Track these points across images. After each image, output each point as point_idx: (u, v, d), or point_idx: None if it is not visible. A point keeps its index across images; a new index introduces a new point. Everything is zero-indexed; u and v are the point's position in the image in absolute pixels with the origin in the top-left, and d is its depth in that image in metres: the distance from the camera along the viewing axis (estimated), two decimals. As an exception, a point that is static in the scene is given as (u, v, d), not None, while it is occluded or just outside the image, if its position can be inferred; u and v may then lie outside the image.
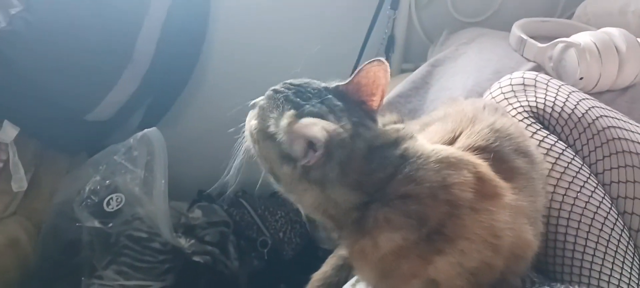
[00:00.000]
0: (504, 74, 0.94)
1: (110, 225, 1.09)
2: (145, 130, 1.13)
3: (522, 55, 1.06)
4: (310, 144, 0.54)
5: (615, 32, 0.92)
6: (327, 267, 0.93)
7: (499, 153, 0.62)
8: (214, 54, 1.45)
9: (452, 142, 0.64)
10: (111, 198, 1.08)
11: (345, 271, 0.87)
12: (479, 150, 0.62)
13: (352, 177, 0.55)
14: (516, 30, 1.06)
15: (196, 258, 1.16)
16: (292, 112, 0.56)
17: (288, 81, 0.61)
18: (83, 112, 1.26)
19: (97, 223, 1.07)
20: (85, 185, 1.10)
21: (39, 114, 1.19)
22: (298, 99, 0.58)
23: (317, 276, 0.92)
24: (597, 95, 0.89)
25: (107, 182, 1.09)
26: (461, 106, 0.72)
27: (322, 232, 0.63)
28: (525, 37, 1.03)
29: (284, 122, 0.55)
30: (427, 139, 0.64)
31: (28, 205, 1.23)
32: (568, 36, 0.98)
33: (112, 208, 1.09)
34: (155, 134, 1.12)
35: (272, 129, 0.57)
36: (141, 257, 1.13)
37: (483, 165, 0.58)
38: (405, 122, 0.83)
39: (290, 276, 1.24)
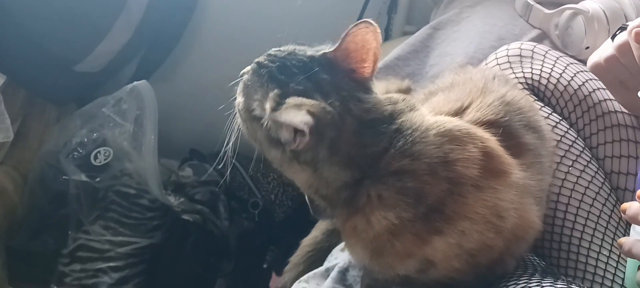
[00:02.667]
0: (507, 41, 0.91)
1: (98, 179, 1.07)
2: (136, 82, 1.09)
3: (527, 22, 1.02)
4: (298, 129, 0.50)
5: (626, 1, 0.89)
6: (317, 231, 0.91)
7: (508, 128, 0.59)
8: (209, 7, 1.41)
9: (459, 113, 0.60)
10: (99, 151, 1.06)
11: (335, 236, 0.86)
12: (488, 124, 0.58)
13: (343, 155, 0.52)
14: (522, -5, 1.02)
15: (185, 217, 1.14)
16: (276, 92, 0.52)
17: (272, 52, 0.57)
18: (73, 62, 1.23)
19: (84, 177, 1.05)
20: (73, 137, 1.07)
21: (27, 62, 1.16)
22: (282, 76, 0.53)
23: (306, 241, 0.91)
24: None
25: (95, 135, 1.06)
26: (470, 74, 0.68)
27: (322, 213, 0.59)
28: (531, 2, 0.99)
29: (268, 106, 0.51)
30: (431, 108, 0.60)
31: (15, 155, 1.20)
32: (577, 2, 0.94)
33: (100, 163, 1.06)
34: (146, 87, 1.09)
35: (257, 111, 0.54)
36: (129, 213, 1.11)
37: (491, 140, 0.55)
38: (413, 90, 0.80)
39: (281, 238, 1.23)
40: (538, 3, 1.00)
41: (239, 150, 1.46)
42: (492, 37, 1.01)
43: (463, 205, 0.51)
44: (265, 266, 1.23)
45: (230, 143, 0.60)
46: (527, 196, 0.56)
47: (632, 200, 0.68)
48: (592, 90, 0.76)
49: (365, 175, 0.53)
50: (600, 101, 0.75)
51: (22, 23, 1.11)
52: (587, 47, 0.89)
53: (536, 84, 0.78)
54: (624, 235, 0.69)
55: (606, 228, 0.70)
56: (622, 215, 0.59)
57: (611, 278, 0.67)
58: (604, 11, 0.87)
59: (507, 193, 0.53)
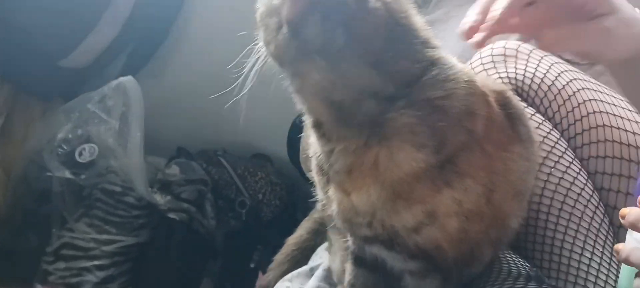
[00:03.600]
0: (494, 40, 0.91)
1: (83, 176, 1.06)
2: (121, 78, 1.08)
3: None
4: None
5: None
6: (302, 230, 0.90)
7: (506, 111, 0.59)
8: (198, 3, 1.39)
9: None
10: (84, 148, 1.05)
11: (320, 235, 0.85)
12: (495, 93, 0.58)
13: (368, 48, 0.47)
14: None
15: (172, 215, 1.13)
16: None
17: None
18: (59, 56, 1.22)
19: (68, 174, 1.04)
20: (57, 134, 1.06)
21: (12, 56, 1.15)
22: None
23: (291, 240, 0.90)
24: (589, 66, 0.86)
25: (80, 131, 1.05)
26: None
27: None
28: None
29: None
30: None
31: (-1, 151, 1.19)
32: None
33: (85, 159, 1.05)
34: (132, 83, 1.08)
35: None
36: (114, 211, 1.10)
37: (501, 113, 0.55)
38: None
39: (268, 238, 1.22)
40: (527, 3, 1.00)
41: (227, 149, 1.45)
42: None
43: (472, 162, 0.50)
44: (252, 266, 1.22)
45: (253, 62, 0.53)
46: (512, 183, 0.57)
47: (621, 203, 0.67)
48: (577, 89, 0.75)
49: (398, 93, 0.48)
50: (585, 101, 0.74)
51: (7, 17, 1.10)
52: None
53: (520, 83, 0.77)
54: (608, 235, 0.69)
55: (588, 229, 0.70)
56: (621, 221, 0.58)
57: (603, 284, 0.67)
58: None
59: (501, 167, 0.53)
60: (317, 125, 0.52)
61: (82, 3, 1.18)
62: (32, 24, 1.12)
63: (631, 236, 0.58)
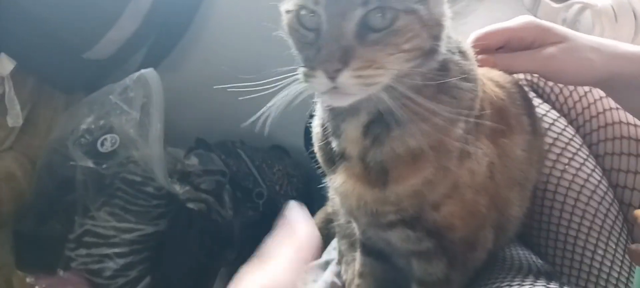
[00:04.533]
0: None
1: (104, 166, 1.08)
2: (142, 70, 1.10)
3: (535, 16, 1.01)
4: None
5: (635, -5, 0.88)
6: (316, 220, 0.92)
7: (511, 101, 0.61)
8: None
9: None
10: (106, 138, 1.07)
11: (333, 226, 0.86)
12: (498, 85, 0.60)
13: None
14: (531, -11, 1.01)
15: (190, 205, 1.15)
16: None
17: None
18: (83, 49, 1.24)
19: (90, 164, 1.06)
20: (80, 124, 1.08)
21: (37, 49, 1.17)
22: None
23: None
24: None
25: (102, 122, 1.07)
26: None
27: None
28: (539, -4, 0.98)
29: None
30: None
31: (24, 140, 1.22)
32: (585, -3, 0.93)
33: (107, 149, 1.07)
34: (152, 75, 1.09)
35: None
36: (134, 201, 1.12)
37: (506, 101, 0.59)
38: None
39: (285, 229, 1.23)
40: (546, -3, 0.99)
41: (245, 141, 1.46)
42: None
43: (481, 138, 0.55)
44: (269, 256, 1.23)
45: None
46: (509, 170, 0.58)
47: (636, 200, 0.67)
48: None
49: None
50: (600, 97, 0.74)
51: (32, 10, 1.12)
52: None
53: (536, 79, 0.78)
54: (621, 232, 0.68)
55: (602, 226, 0.70)
56: (636, 221, 0.58)
57: (614, 282, 0.67)
58: (612, 6, 0.86)
59: (499, 151, 0.57)
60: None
61: (105, -2, 1.20)
62: (57, 18, 1.14)
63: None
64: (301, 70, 0.49)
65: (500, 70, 0.66)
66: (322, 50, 0.46)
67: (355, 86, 0.47)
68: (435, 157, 0.53)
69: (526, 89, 0.76)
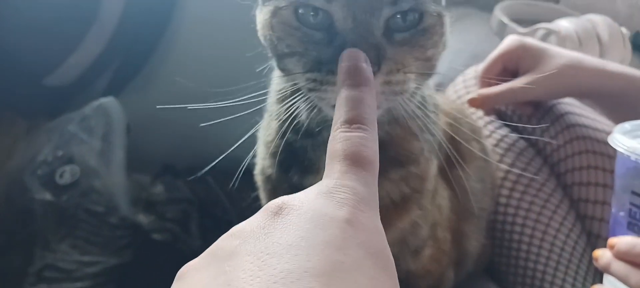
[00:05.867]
0: (481, 58, 0.90)
1: (64, 198, 1.04)
2: (102, 99, 1.07)
3: (501, 40, 1.00)
4: None
5: (598, 20, 0.87)
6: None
7: (459, 128, 0.59)
8: (185, 19, 1.38)
9: None
10: (65, 170, 1.03)
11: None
12: (444, 112, 0.58)
13: None
14: (498, 13, 1.01)
15: (155, 236, 1.11)
16: None
17: None
18: (43, 74, 1.21)
19: (49, 196, 1.02)
20: (37, 155, 1.04)
21: (-5, 74, 1.14)
22: None
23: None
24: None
25: (61, 152, 1.03)
26: None
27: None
28: (505, 21, 0.98)
29: None
30: None
31: (-18, 170, 1.18)
32: (551, 21, 0.93)
33: (66, 181, 1.03)
34: (113, 104, 1.06)
35: None
36: (98, 232, 1.08)
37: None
38: None
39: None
40: (513, 21, 0.99)
41: (215, 166, 1.43)
42: (466, 55, 0.99)
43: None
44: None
45: None
46: (468, 203, 0.57)
47: (605, 231, 0.66)
48: (561, 114, 0.75)
49: None
50: (568, 126, 0.74)
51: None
52: (561, 67, 0.88)
53: (503, 107, 0.77)
54: (589, 266, 0.67)
55: (569, 260, 0.69)
56: (594, 262, 0.57)
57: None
58: (576, 31, 0.86)
59: (455, 182, 0.55)
60: None
61: (66, 20, 1.16)
62: (16, 41, 1.11)
63: (607, 279, 0.57)
64: (307, 76, 0.44)
65: (507, 103, 0.67)
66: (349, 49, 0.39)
67: (381, 95, 0.41)
68: (417, 198, 0.51)
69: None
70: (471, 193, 0.58)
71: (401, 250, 0.52)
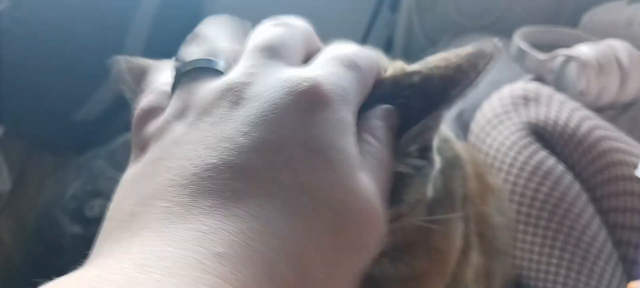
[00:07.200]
0: (501, 85, 0.90)
1: (93, 231, 1.06)
2: (127, 134, 1.09)
3: (521, 67, 1.01)
4: None
5: (618, 46, 0.88)
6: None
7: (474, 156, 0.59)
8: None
9: None
10: (94, 204, 1.05)
11: None
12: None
13: None
14: (516, 40, 1.02)
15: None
16: None
17: None
18: (71, 110, 1.24)
19: (78, 229, 1.04)
20: (67, 190, 1.07)
21: (25, 113, 1.17)
22: None
23: None
24: (598, 111, 0.85)
25: (89, 187, 1.06)
26: None
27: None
28: (524, 47, 0.98)
29: None
30: None
31: (13, 205, 1.21)
32: (570, 46, 0.93)
33: (95, 214, 1.06)
34: (139, 138, 1.09)
35: None
36: (125, 264, 1.10)
37: None
38: None
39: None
40: (533, 46, 0.99)
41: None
42: (487, 82, 0.99)
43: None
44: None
45: None
46: (494, 240, 0.56)
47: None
48: (598, 138, 0.73)
49: None
50: (606, 151, 0.73)
51: (20, 75, 1.12)
52: (582, 92, 0.88)
53: (540, 129, 0.76)
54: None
55: (601, 276, 0.68)
56: None
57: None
58: (596, 57, 0.86)
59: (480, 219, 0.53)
60: None
61: (92, 57, 1.20)
62: (44, 81, 1.15)
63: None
64: None
65: None
66: None
67: None
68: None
69: (525, 135, 0.74)
70: (495, 229, 0.58)
71: None
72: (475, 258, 0.49)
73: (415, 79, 0.31)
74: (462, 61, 0.31)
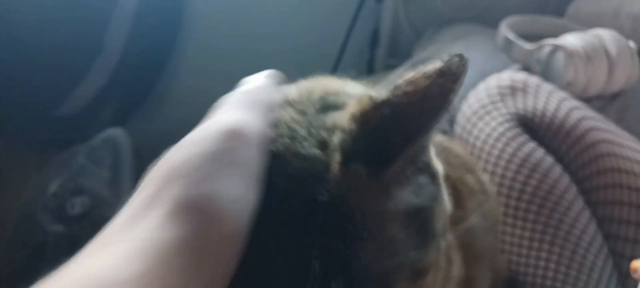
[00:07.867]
0: (487, 75, 0.88)
1: (76, 229, 1.04)
2: (109, 130, 1.07)
3: (509, 57, 1.00)
4: None
5: (606, 35, 0.87)
6: None
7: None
8: (189, 49, 1.39)
9: None
10: (76, 202, 1.03)
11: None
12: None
13: None
14: (503, 30, 1.00)
15: (167, 263, 1.11)
16: None
17: None
18: (51, 106, 1.22)
19: (60, 228, 1.02)
20: (48, 188, 1.05)
21: (4, 110, 1.15)
22: None
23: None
24: (586, 101, 0.84)
25: (71, 184, 1.03)
26: None
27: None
28: (512, 38, 0.97)
29: None
30: None
31: (-6, 204, 1.18)
32: (558, 36, 0.93)
33: (77, 212, 1.03)
34: (120, 135, 1.07)
35: None
36: (109, 262, 1.08)
37: None
38: None
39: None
40: (520, 36, 0.98)
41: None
42: (473, 71, 0.98)
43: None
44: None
45: None
46: (475, 246, 0.54)
47: (629, 251, 0.65)
48: (587, 129, 0.72)
49: None
50: (594, 143, 0.72)
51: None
52: (569, 82, 0.87)
53: (528, 120, 0.75)
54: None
55: (591, 270, 0.67)
56: (633, 274, 0.55)
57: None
58: (583, 47, 0.86)
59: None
60: None
61: (72, 52, 1.18)
62: (23, 79, 1.13)
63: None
64: None
65: None
66: None
67: None
68: None
69: (512, 126, 0.73)
70: (473, 234, 0.56)
71: None
72: (457, 271, 0.48)
73: (386, 111, 0.31)
74: (429, 83, 0.30)
